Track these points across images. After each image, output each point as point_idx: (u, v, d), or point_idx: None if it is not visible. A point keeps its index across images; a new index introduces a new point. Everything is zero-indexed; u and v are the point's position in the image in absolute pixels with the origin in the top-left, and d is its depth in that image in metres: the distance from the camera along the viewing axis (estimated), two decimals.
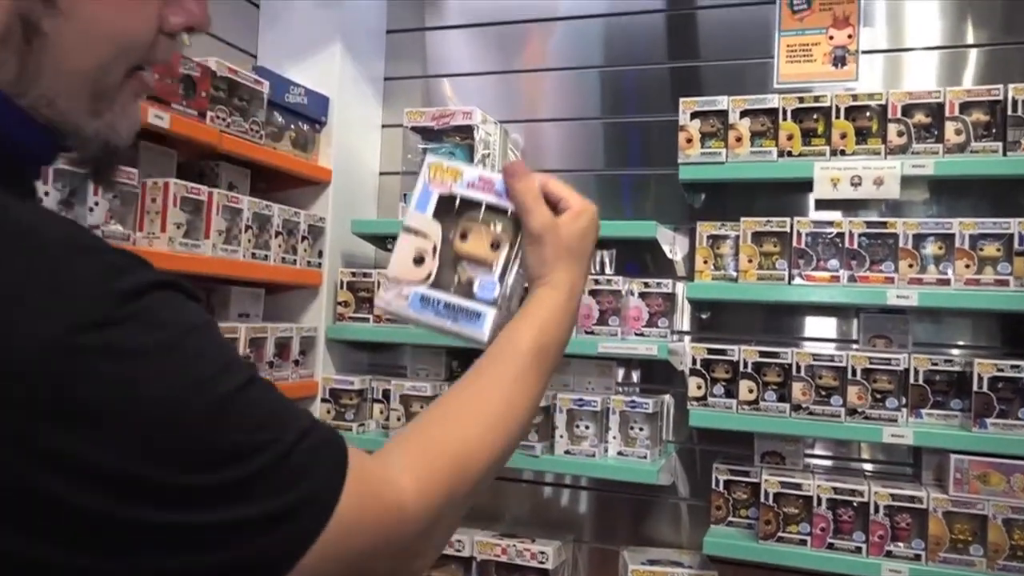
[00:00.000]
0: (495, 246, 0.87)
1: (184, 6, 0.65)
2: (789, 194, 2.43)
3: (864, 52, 2.37)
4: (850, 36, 2.37)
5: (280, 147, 2.42)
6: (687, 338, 2.50)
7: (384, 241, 2.73)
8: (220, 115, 2.12)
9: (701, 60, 2.62)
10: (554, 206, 0.88)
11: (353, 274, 2.58)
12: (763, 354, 2.18)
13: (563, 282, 0.86)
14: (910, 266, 2.08)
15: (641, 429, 2.35)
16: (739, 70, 2.55)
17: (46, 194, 1.63)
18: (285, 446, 0.57)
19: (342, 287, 2.58)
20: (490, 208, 0.88)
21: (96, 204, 1.76)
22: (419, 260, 0.87)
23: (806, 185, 2.30)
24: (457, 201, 0.89)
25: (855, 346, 2.33)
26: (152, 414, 0.51)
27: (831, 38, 2.39)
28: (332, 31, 2.66)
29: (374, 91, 2.87)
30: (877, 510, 2.05)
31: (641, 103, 2.67)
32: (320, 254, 2.56)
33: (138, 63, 0.64)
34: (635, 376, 2.61)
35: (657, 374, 2.55)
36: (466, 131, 2.55)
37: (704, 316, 2.51)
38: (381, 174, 2.90)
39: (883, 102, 2.13)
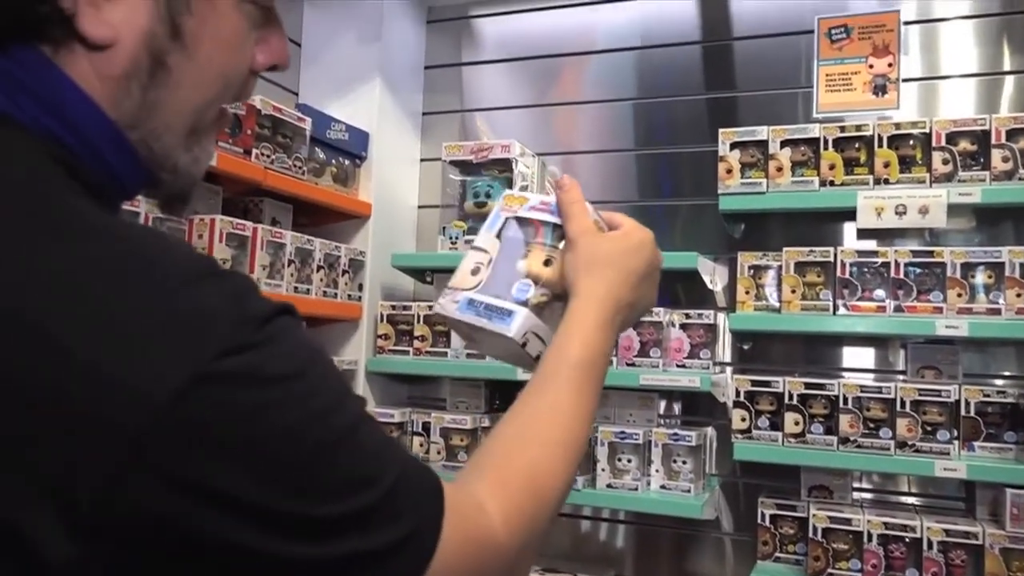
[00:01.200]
0: (547, 263, 0.90)
1: (271, 46, 0.67)
2: (827, 223, 2.40)
3: (904, 80, 2.36)
4: (890, 64, 2.35)
5: (322, 182, 2.45)
6: (729, 369, 2.48)
7: (423, 274, 2.75)
8: (265, 152, 2.16)
9: (738, 91, 2.62)
10: (612, 229, 0.91)
11: (393, 307, 2.60)
12: (809, 386, 2.15)
13: (595, 292, 0.85)
14: (959, 295, 2.05)
15: (684, 462, 2.32)
16: (776, 100, 2.55)
17: None
18: (393, 479, 0.57)
19: (382, 320, 2.60)
20: (549, 228, 0.91)
21: None
22: (475, 271, 0.91)
23: (846, 214, 2.28)
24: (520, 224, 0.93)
25: (901, 377, 2.29)
26: (283, 442, 0.51)
27: (871, 67, 2.37)
28: (372, 68, 2.70)
29: (412, 126, 2.90)
30: (930, 546, 1.99)
31: (678, 134, 2.67)
32: (360, 287, 2.58)
33: (231, 100, 0.66)
34: (676, 408, 2.58)
35: (699, 406, 2.53)
36: (504, 164, 2.57)
37: (746, 347, 2.48)
38: (419, 207, 2.92)
39: (926, 130, 2.11)
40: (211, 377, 0.49)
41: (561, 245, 0.89)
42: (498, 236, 0.93)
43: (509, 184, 2.57)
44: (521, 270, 0.90)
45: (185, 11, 0.59)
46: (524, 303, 0.87)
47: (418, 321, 2.55)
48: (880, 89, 2.36)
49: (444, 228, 2.56)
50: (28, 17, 0.54)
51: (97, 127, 0.58)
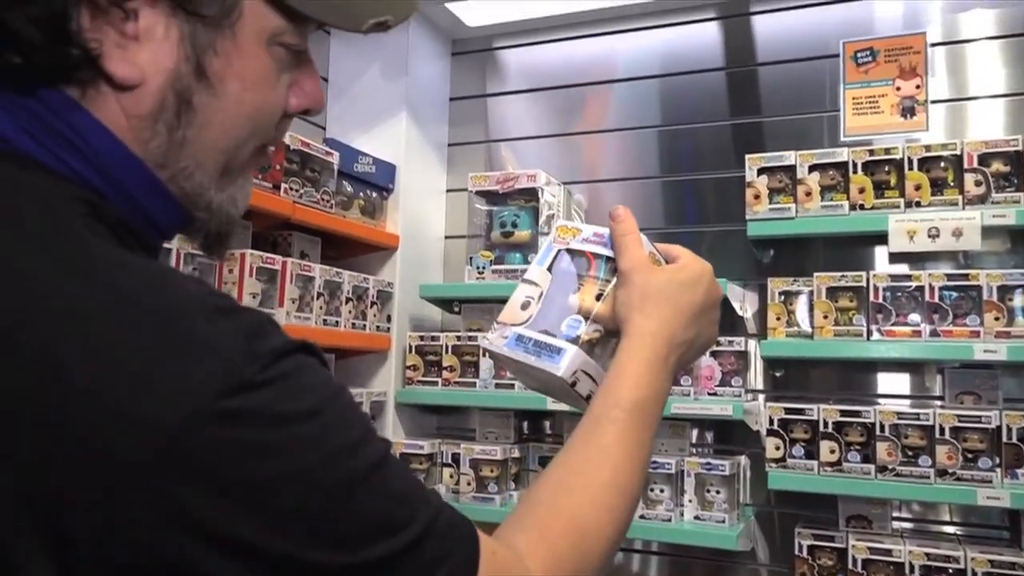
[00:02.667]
0: (600, 297, 0.86)
1: (304, 89, 0.67)
2: (856, 248, 2.38)
3: (932, 102, 2.34)
4: (918, 87, 2.33)
5: (350, 215, 2.47)
6: (761, 397, 2.44)
7: (451, 304, 2.75)
8: (293, 187, 2.18)
9: (762, 116, 2.61)
10: (668, 263, 0.87)
11: (421, 338, 2.60)
12: (844, 413, 2.11)
13: (648, 329, 0.80)
14: (996, 319, 2.01)
15: (718, 492, 2.28)
16: (801, 125, 2.54)
17: None
18: (421, 526, 0.55)
19: (410, 351, 2.60)
20: (602, 261, 0.89)
21: None
22: (525, 305, 0.89)
23: (876, 239, 2.26)
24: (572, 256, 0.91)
25: (937, 403, 2.24)
26: (294, 485, 0.50)
27: (898, 89, 2.35)
28: (398, 101, 2.73)
29: (438, 157, 2.92)
30: None
31: (702, 160, 2.66)
32: (388, 319, 2.59)
33: (264, 141, 0.66)
34: (708, 437, 2.55)
35: (731, 434, 2.49)
36: (530, 193, 2.58)
37: (778, 374, 2.45)
38: (446, 238, 2.93)
39: (958, 151, 2.09)
40: (216, 414, 0.48)
41: (614, 279, 0.86)
42: (549, 269, 0.90)
43: (535, 213, 2.57)
44: (572, 305, 0.87)
45: (210, 51, 0.59)
46: (574, 340, 0.83)
47: (446, 351, 2.55)
48: (908, 111, 2.34)
49: (471, 258, 2.57)
50: (56, 60, 0.54)
51: (125, 168, 0.58)
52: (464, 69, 3.03)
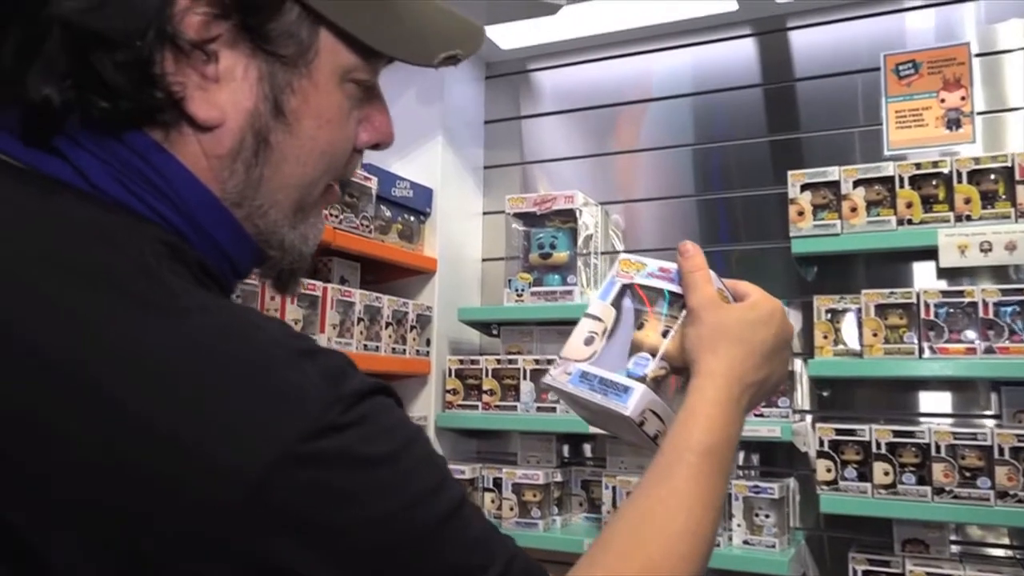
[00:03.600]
0: (666, 334, 0.85)
1: (374, 124, 0.68)
2: (898, 264, 2.33)
3: (979, 113, 2.29)
4: (963, 98, 2.29)
5: (388, 240, 2.47)
6: (809, 417, 2.39)
7: (489, 327, 2.74)
8: (333, 212, 2.19)
9: (800, 132, 2.58)
10: (736, 300, 0.85)
11: (461, 361, 2.58)
12: (897, 433, 2.05)
13: (719, 370, 0.78)
14: None
15: (767, 516, 2.23)
16: (842, 140, 2.50)
17: None
18: (497, 572, 0.54)
19: (450, 375, 2.58)
20: (669, 297, 0.87)
21: None
22: (589, 341, 0.86)
23: (922, 254, 2.21)
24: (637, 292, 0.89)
25: (989, 422, 2.17)
26: (375, 530, 0.50)
27: (943, 101, 2.31)
28: (435, 126, 2.74)
29: (475, 180, 2.92)
30: None
31: (739, 178, 2.63)
32: (428, 343, 2.58)
33: (336, 177, 0.67)
34: (754, 459, 2.50)
35: (777, 456, 2.44)
36: (567, 215, 2.56)
37: (825, 394, 2.39)
38: (483, 260, 2.92)
39: (1008, 163, 2.03)
40: (301, 457, 0.47)
41: (681, 315, 0.84)
42: (613, 304, 0.89)
43: (573, 235, 2.55)
44: (638, 341, 0.85)
45: (288, 90, 0.60)
46: (642, 378, 0.82)
47: (486, 375, 2.53)
48: (954, 123, 2.29)
49: (510, 281, 2.56)
50: (141, 103, 0.55)
51: (206, 208, 0.59)
52: (498, 92, 3.03)
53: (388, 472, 0.51)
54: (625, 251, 2.74)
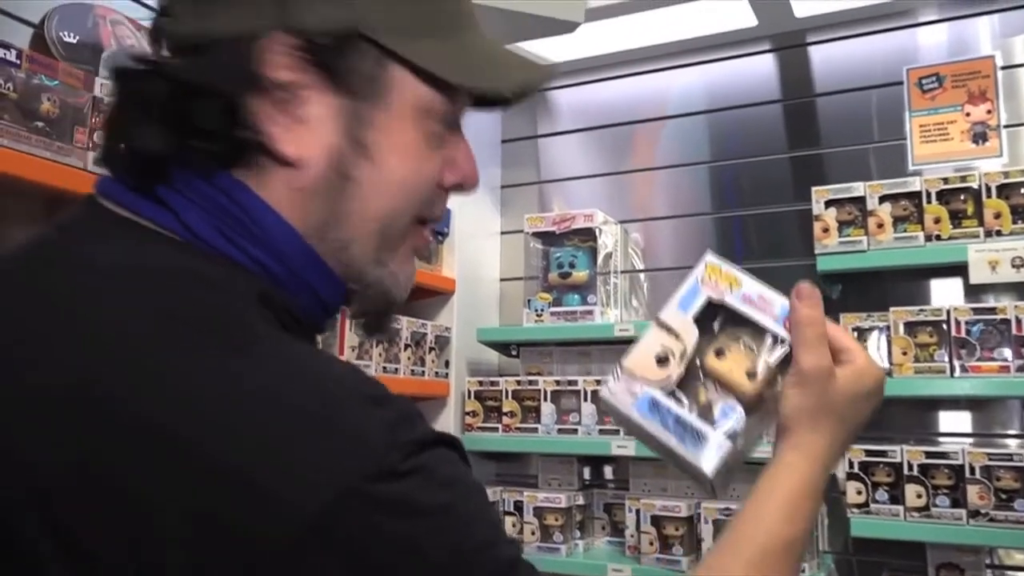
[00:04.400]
0: (751, 376, 0.75)
1: (459, 165, 0.68)
2: (922, 280, 2.28)
3: (1006, 126, 2.25)
4: (989, 111, 2.25)
5: None
6: None
7: (508, 348, 2.71)
8: None
9: (821, 148, 2.55)
10: (834, 355, 0.74)
11: (480, 383, 2.55)
12: (929, 455, 2.00)
13: (818, 448, 0.71)
14: None
15: None
16: (865, 155, 2.47)
17: None
18: None
19: (469, 396, 2.55)
20: (760, 331, 0.77)
21: None
22: (662, 360, 0.76)
23: (946, 270, 2.17)
24: (723, 311, 0.80)
25: (1016, 442, 2.12)
26: None
27: (968, 115, 2.27)
28: None
29: (492, 199, 2.91)
30: None
31: (760, 195, 2.60)
32: (447, 364, 2.55)
33: (420, 216, 0.66)
34: None
35: None
36: (586, 233, 2.54)
37: None
38: (501, 280, 2.90)
39: None
40: (361, 497, 0.48)
41: (775, 358, 0.75)
42: (695, 319, 0.78)
43: (593, 254, 2.52)
44: (718, 374, 0.75)
45: (368, 126, 0.61)
46: (731, 435, 0.73)
47: (506, 396, 2.49)
48: (980, 137, 2.25)
49: (529, 301, 2.53)
50: (232, 145, 0.58)
51: (296, 251, 0.60)
52: (515, 111, 3.00)
53: (442, 522, 0.51)
54: (645, 270, 2.72)
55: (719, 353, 0.77)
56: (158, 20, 0.60)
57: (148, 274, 0.54)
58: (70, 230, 0.58)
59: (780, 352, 0.75)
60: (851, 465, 2.08)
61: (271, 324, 0.55)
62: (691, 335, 0.78)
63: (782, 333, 0.76)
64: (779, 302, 0.78)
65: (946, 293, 2.26)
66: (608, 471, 2.66)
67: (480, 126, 2.87)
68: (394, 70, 0.61)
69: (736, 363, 0.76)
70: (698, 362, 0.78)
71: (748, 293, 0.79)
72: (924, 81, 2.35)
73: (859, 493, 2.06)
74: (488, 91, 0.66)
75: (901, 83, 2.38)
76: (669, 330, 0.78)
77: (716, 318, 0.80)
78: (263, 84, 0.57)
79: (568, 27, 2.35)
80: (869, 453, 2.07)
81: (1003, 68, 2.28)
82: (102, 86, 1.51)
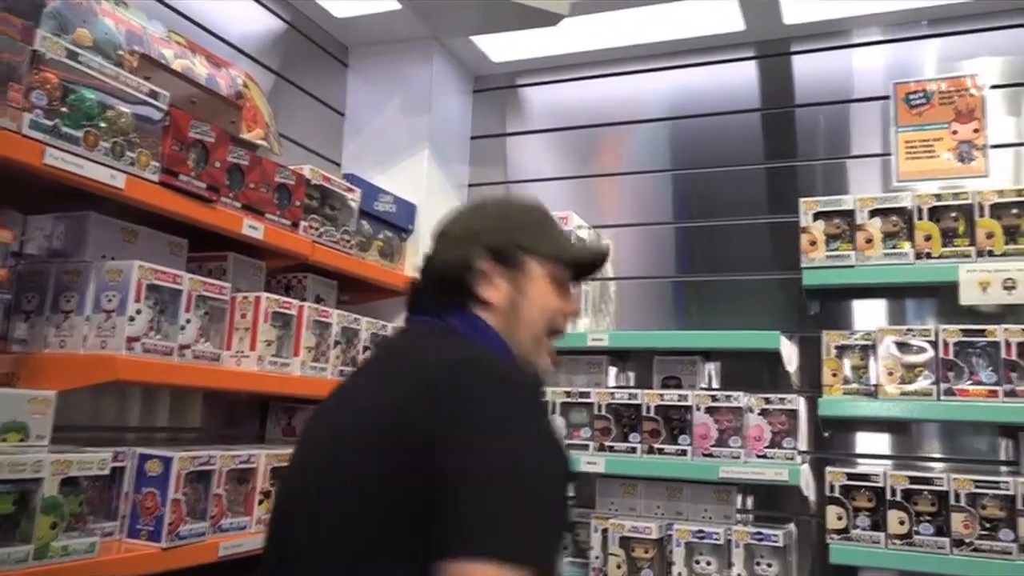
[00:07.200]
0: None
1: (570, 305, 1.22)
2: (900, 299, 2.23)
3: (993, 146, 2.21)
4: (976, 130, 2.21)
5: (368, 257, 2.29)
6: (803, 458, 2.25)
7: None
8: (313, 225, 2.00)
9: (802, 159, 2.48)
10: None
11: None
12: (914, 480, 1.93)
13: None
14: None
15: (769, 565, 2.08)
16: (845, 169, 2.40)
17: (138, 312, 1.49)
18: None
19: None
20: None
21: (188, 322, 1.62)
22: None
23: (932, 290, 2.12)
24: None
25: (1003, 468, 2.07)
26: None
27: (955, 133, 2.23)
28: (421, 138, 2.58)
29: (459, 198, 2.76)
30: None
31: (736, 206, 2.51)
32: None
33: (551, 330, 1.20)
34: (749, 502, 2.35)
35: (774, 500, 2.29)
36: None
37: (826, 434, 2.27)
38: None
39: None
40: None
41: None
42: None
43: None
44: None
45: (522, 286, 1.17)
46: None
47: None
48: (966, 156, 2.21)
49: None
50: (468, 296, 1.15)
51: (500, 345, 1.14)
52: (485, 107, 2.89)
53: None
54: (614, 278, 2.61)
55: None
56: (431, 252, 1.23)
57: (449, 345, 1.10)
58: (410, 331, 1.22)
59: None
60: (832, 489, 2.00)
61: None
62: None
63: None
64: None
65: (922, 313, 2.20)
66: (570, 488, 2.53)
67: (450, 119, 2.73)
68: (531, 256, 1.18)
69: None
70: None
71: None
72: (912, 96, 2.30)
73: (839, 519, 1.98)
74: (580, 257, 1.25)
75: (887, 97, 2.32)
76: None
77: None
78: (476, 269, 1.15)
79: (552, 19, 2.23)
80: (851, 476, 1.98)
81: (992, 87, 2.24)
82: (43, 39, 1.33)
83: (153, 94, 1.53)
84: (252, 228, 1.79)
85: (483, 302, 1.13)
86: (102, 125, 1.42)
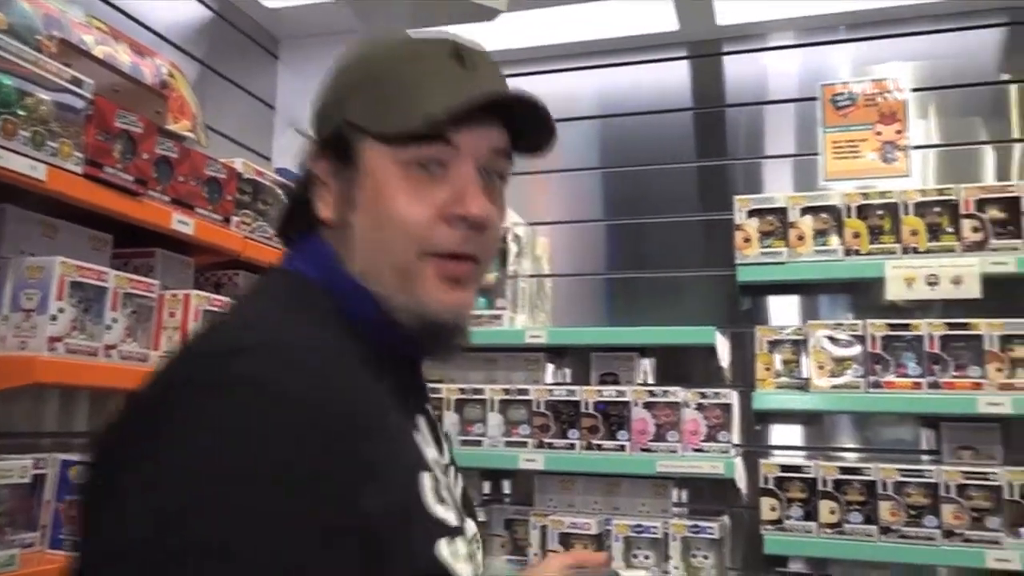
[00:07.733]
0: None
1: (463, 201, 0.73)
2: (833, 294, 2.30)
3: (916, 147, 2.29)
4: (899, 132, 2.28)
5: None
6: (737, 451, 2.30)
7: None
8: (245, 220, 1.94)
9: (732, 158, 2.53)
10: None
11: None
12: (844, 470, 1.98)
13: None
14: (998, 370, 1.93)
15: (706, 557, 2.11)
16: (776, 167, 2.46)
17: (61, 311, 1.41)
18: None
19: None
20: None
21: (114, 321, 1.54)
22: None
23: (860, 286, 2.18)
24: None
25: (927, 458, 2.15)
26: None
27: (879, 134, 2.30)
28: None
29: None
30: None
31: (669, 203, 2.55)
32: None
33: (423, 249, 0.73)
34: (684, 496, 2.38)
35: (706, 492, 2.33)
36: None
37: (758, 428, 2.32)
38: None
39: (954, 197, 2.02)
40: None
41: None
42: None
43: (502, 256, 2.38)
44: None
45: (353, 183, 0.77)
46: None
47: None
48: (889, 156, 2.28)
49: None
50: (306, 219, 0.80)
51: (349, 287, 0.77)
52: None
53: None
54: (551, 275, 2.61)
55: None
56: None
57: (276, 288, 0.81)
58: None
59: None
60: (766, 481, 2.04)
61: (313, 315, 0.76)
62: None
63: None
64: None
65: (835, 308, 2.27)
66: (506, 486, 2.53)
67: None
68: (365, 142, 0.75)
69: None
70: None
71: None
72: (837, 98, 2.36)
73: (773, 510, 2.02)
74: (453, 112, 0.71)
75: (815, 99, 2.39)
76: None
77: None
78: (317, 182, 0.80)
79: (489, 15, 2.21)
80: (784, 468, 2.03)
81: (925, 89, 2.32)
82: None
83: (76, 81, 1.45)
84: (182, 223, 1.72)
85: (321, 222, 0.77)
86: (20, 113, 1.34)
